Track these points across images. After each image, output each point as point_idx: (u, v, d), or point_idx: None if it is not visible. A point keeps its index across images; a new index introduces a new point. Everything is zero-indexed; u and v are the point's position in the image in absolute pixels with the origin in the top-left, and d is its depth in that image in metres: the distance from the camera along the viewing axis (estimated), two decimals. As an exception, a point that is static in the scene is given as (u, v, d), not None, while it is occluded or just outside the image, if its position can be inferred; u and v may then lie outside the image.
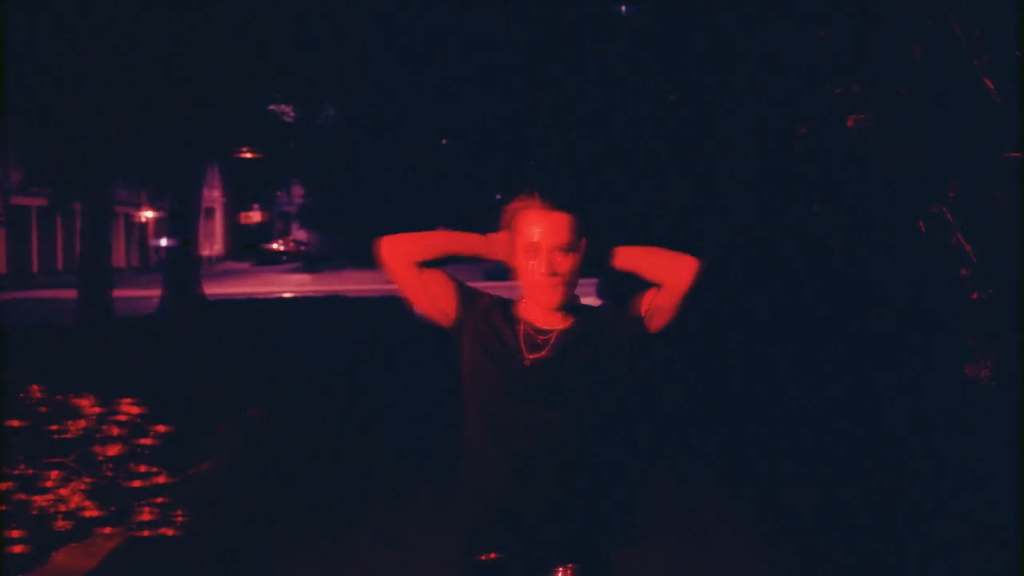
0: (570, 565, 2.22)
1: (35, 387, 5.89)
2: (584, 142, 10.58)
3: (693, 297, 2.27)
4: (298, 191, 39.79)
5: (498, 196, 18.32)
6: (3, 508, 5.23)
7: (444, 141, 18.96)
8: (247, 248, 48.85)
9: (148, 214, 41.46)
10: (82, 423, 5.81)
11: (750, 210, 7.09)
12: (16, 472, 5.32)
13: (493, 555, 2.24)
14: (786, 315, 6.48)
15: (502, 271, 2.37)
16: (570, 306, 2.32)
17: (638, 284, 2.37)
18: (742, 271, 6.96)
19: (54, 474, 5.37)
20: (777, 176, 6.11)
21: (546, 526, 2.22)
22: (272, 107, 20.08)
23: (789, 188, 5.87)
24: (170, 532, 5.23)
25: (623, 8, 12.16)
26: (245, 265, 43.47)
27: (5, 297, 22.96)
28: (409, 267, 2.31)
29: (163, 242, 40.93)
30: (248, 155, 25.66)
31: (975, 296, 3.14)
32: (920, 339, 4.06)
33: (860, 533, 4.87)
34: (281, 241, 48.97)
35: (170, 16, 13.15)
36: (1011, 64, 2.93)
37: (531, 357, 2.27)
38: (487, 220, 2.73)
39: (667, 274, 2.25)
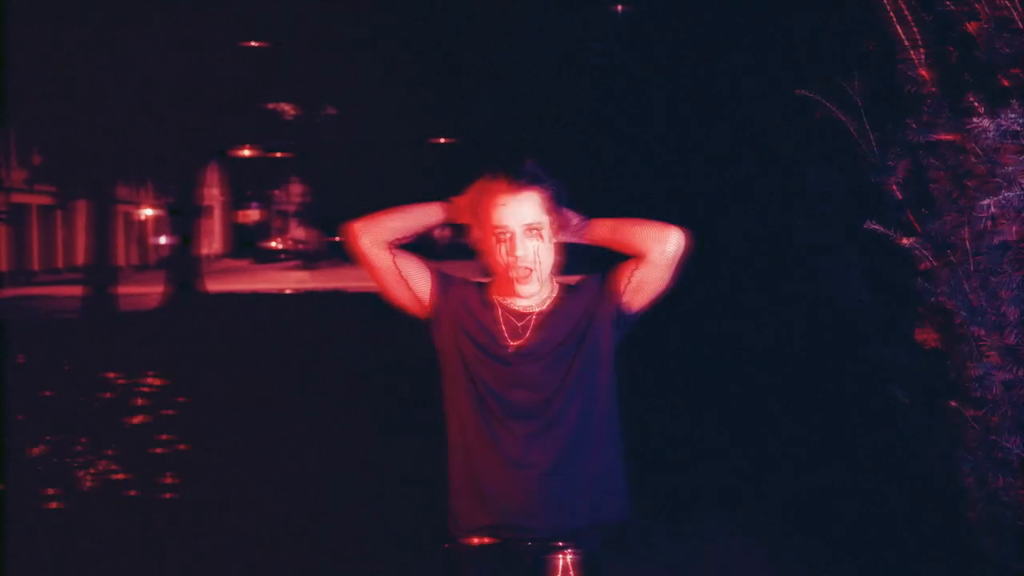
0: (569, 551, 2.14)
1: (64, 363, 6.22)
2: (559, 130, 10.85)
3: (681, 273, 2.14)
4: (296, 189, 40.08)
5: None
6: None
7: (443, 140, 19.35)
8: (246, 246, 49.03)
9: (147, 212, 41.73)
10: (108, 395, 6.13)
11: (732, 204, 7.33)
12: (49, 437, 5.65)
13: (487, 540, 2.17)
14: (766, 294, 6.76)
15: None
16: (545, 285, 2.21)
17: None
18: (715, 261, 7.12)
19: (84, 439, 5.70)
20: (755, 166, 6.45)
21: (542, 512, 2.14)
22: (272, 106, 20.38)
23: (767, 176, 6.21)
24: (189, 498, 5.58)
25: (620, 7, 12.48)
26: (244, 263, 43.65)
27: (7, 294, 23.25)
28: (383, 250, 2.19)
29: (162, 240, 41.15)
30: (247, 153, 25.90)
31: (922, 267, 3.49)
32: (880, 308, 4.40)
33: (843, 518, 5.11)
34: (280, 239, 49.19)
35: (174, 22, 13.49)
36: (943, 57, 3.34)
37: (514, 344, 2.18)
38: None
39: (650, 244, 2.11)
